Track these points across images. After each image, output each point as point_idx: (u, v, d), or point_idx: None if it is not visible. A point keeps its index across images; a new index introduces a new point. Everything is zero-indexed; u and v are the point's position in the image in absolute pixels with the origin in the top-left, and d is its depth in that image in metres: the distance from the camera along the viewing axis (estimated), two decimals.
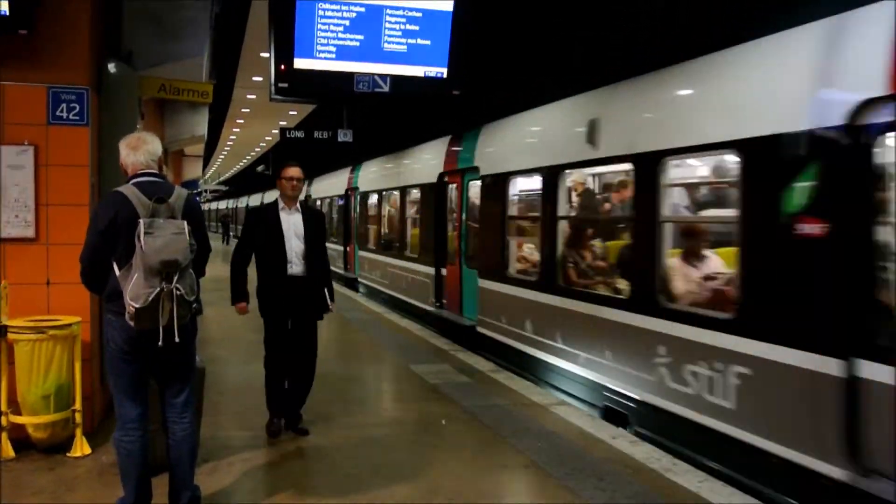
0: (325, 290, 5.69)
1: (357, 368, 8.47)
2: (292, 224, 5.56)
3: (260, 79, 16.72)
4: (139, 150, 3.95)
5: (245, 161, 50.51)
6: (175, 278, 3.60)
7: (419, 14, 5.91)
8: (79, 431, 5.12)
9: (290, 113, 24.65)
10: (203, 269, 4.10)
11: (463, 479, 4.83)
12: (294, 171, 5.58)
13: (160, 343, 3.62)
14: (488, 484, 4.79)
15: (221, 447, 5.30)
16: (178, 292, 3.61)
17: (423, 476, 4.87)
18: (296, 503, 4.42)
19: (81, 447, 5.10)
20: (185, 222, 3.73)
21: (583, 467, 5.00)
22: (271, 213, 5.60)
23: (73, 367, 5.12)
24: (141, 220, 3.62)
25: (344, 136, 17.29)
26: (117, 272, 3.68)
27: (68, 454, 5.05)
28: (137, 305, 3.55)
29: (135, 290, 3.57)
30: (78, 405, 5.12)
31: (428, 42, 5.98)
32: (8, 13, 4.96)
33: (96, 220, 3.76)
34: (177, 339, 3.63)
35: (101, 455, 5.09)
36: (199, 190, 57.36)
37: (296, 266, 5.53)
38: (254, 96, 20.07)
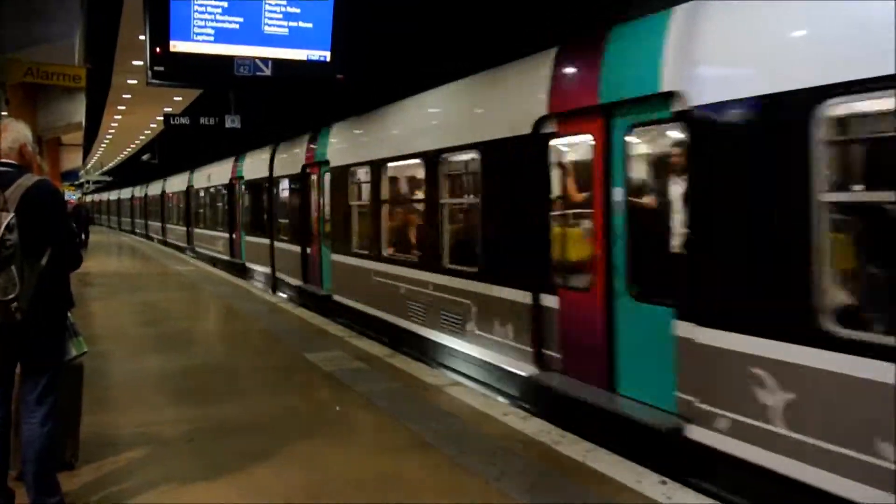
0: None
1: (244, 359, 8.33)
2: None
3: (140, 63, 16.04)
4: None
5: (130, 150, 48.48)
6: None
7: None
8: None
9: (176, 99, 23.82)
10: (63, 262, 3.94)
11: (357, 464, 4.84)
12: None
13: None
14: (383, 467, 4.81)
15: (106, 445, 5.10)
16: None
17: (316, 462, 4.86)
18: (181, 500, 4.32)
19: None
20: (13, 215, 3.60)
21: (475, 445, 5.11)
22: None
23: None
24: None
25: (232, 122, 16.83)
26: None
27: None
28: None
29: None
30: None
31: (310, 25, 5.88)
32: None
33: None
34: None
35: None
36: (81, 181, 54.61)
37: None
38: (135, 81, 19.27)
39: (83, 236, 25.78)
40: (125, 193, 54.20)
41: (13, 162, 3.87)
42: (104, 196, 70.53)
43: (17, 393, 3.98)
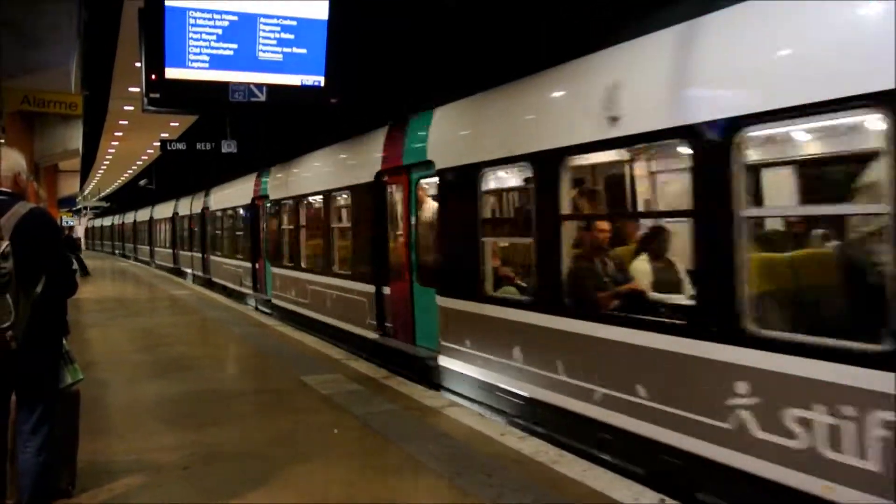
0: None
1: (241, 383, 8.30)
2: None
3: (136, 89, 16.11)
4: None
5: (127, 175, 48.58)
6: None
7: (294, 23, 5.87)
8: None
9: (172, 124, 23.91)
10: (59, 290, 3.96)
11: (355, 488, 4.83)
12: None
13: None
14: (379, 489, 4.80)
15: (102, 473, 5.08)
16: None
17: (313, 487, 4.84)
18: None
19: None
20: (8, 243, 3.62)
21: (472, 465, 5.09)
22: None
23: None
24: None
25: (228, 146, 16.88)
26: None
27: None
28: None
29: None
30: None
31: (304, 51, 5.95)
32: None
33: None
34: None
35: None
36: (79, 207, 54.63)
37: None
38: (132, 108, 19.34)
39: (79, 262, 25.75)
40: (117, 220, 54.17)
41: (8, 190, 3.91)
42: (99, 222, 70.53)
43: (13, 421, 3.98)
